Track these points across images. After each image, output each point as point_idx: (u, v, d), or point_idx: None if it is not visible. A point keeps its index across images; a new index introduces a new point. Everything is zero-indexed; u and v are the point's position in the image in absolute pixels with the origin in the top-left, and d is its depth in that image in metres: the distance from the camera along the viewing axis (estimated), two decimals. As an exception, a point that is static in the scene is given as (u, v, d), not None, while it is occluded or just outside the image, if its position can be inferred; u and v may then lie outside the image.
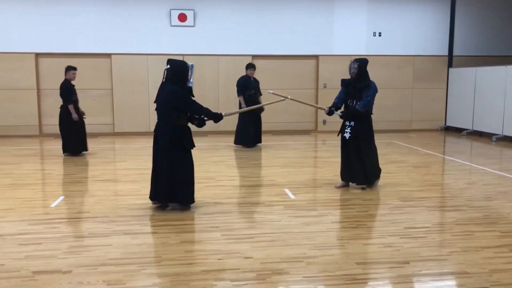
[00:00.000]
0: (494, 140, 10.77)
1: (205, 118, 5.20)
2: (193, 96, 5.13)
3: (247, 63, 10.30)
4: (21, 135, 11.50)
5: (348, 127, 5.99)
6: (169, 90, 4.95)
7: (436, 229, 4.52)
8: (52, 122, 11.72)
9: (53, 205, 5.36)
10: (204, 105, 5.17)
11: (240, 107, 9.47)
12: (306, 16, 12.29)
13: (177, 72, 5.02)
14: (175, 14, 11.73)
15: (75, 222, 4.73)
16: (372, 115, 6.06)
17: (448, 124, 12.98)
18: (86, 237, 4.29)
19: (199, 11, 11.89)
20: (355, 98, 5.93)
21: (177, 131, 5.00)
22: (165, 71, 5.04)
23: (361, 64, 5.91)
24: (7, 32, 11.30)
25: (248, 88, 9.63)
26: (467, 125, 12.07)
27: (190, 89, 5.13)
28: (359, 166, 5.95)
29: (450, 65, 12.87)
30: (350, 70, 5.93)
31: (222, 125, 12.00)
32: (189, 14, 11.78)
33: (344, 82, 6.14)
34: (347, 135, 5.99)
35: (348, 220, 4.80)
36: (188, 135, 5.12)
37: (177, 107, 4.94)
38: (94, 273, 3.50)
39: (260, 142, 9.97)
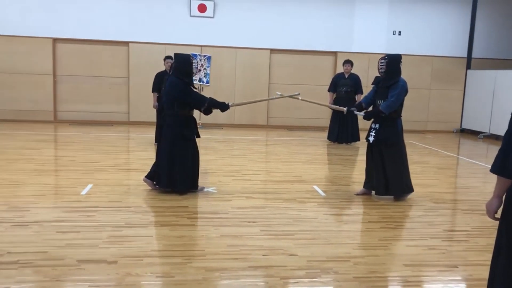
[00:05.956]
0: (512, 144, 10.70)
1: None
2: (195, 88, 5.48)
3: (345, 59, 10.08)
4: (36, 120, 11.40)
5: (373, 130, 5.43)
6: (170, 82, 5.33)
7: (477, 233, 4.45)
8: (67, 108, 11.69)
9: (83, 192, 5.30)
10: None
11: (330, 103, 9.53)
12: (326, 12, 12.18)
13: (180, 66, 5.32)
14: (195, 4, 11.61)
15: (109, 211, 4.66)
16: (401, 118, 5.53)
17: (464, 126, 12.90)
18: (124, 227, 4.22)
19: (219, 2, 11.78)
20: (382, 97, 5.36)
21: (178, 121, 5.29)
22: (171, 64, 5.51)
23: (390, 60, 5.32)
24: (25, 16, 11.18)
25: (336, 85, 9.71)
26: (484, 128, 11.99)
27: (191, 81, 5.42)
28: (380, 174, 5.38)
29: (468, 67, 12.78)
30: (378, 67, 5.41)
31: (236, 118, 12.09)
32: (209, 5, 11.66)
33: (376, 80, 5.83)
34: (371, 139, 5.42)
35: (385, 220, 4.73)
36: (190, 125, 5.38)
37: (178, 99, 5.23)
38: (140, 264, 3.44)
39: (346, 142, 9.69)
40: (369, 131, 5.52)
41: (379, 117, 5.42)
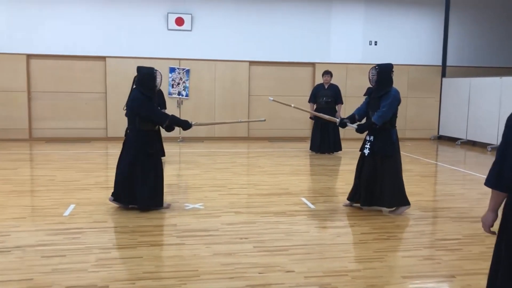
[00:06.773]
0: (489, 149, 10.91)
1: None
2: (158, 104, 5.41)
3: (324, 70, 10.08)
4: (10, 138, 11.05)
5: (368, 142, 5.30)
6: (132, 96, 5.18)
7: (469, 241, 4.45)
8: (43, 125, 11.37)
9: (66, 213, 5.10)
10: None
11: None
12: (303, 23, 12.26)
13: (142, 79, 5.19)
14: (173, 18, 11.52)
15: (95, 233, 4.49)
16: (396, 128, 5.33)
17: (441, 133, 13.12)
18: (112, 249, 4.07)
19: (197, 15, 11.72)
20: (374, 108, 5.23)
21: (140, 136, 5.17)
22: (134, 77, 5.29)
23: (381, 70, 5.18)
24: (-3, 32, 10.89)
25: (316, 95, 9.79)
26: (461, 135, 12.21)
27: (161, 93, 5.33)
28: (376, 186, 5.26)
29: (443, 75, 13.04)
30: (369, 77, 5.26)
31: (217, 130, 11.98)
32: (187, 18, 11.59)
33: (368, 90, 5.60)
34: (366, 151, 5.30)
35: (377, 231, 4.70)
36: (154, 140, 5.30)
37: (139, 113, 5.12)
38: (132, 288, 3.30)
39: (328, 152, 9.75)
40: (364, 143, 5.40)
41: (373, 129, 5.28)
